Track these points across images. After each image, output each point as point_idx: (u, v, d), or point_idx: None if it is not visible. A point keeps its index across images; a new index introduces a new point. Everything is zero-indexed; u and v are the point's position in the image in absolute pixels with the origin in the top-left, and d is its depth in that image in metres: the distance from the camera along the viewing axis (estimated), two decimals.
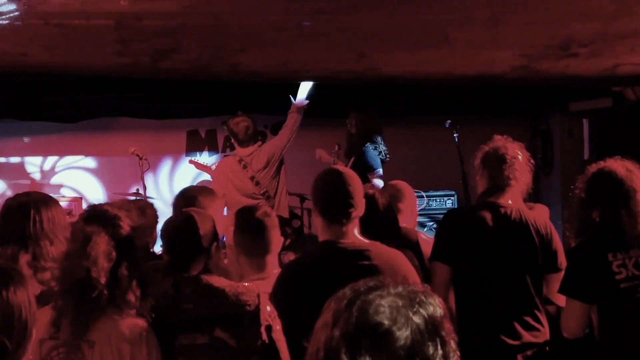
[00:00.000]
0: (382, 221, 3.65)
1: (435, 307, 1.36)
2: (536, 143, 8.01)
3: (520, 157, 3.70)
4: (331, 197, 2.94)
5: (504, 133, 3.98)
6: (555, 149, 7.81)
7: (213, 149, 8.35)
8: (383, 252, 2.99)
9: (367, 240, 2.98)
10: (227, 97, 7.25)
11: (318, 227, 3.01)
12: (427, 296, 1.37)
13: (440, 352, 1.32)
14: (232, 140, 6.10)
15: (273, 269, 3.34)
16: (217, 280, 2.74)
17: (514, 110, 7.85)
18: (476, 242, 3.59)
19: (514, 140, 3.81)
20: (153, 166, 7.38)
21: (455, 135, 6.83)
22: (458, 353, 1.36)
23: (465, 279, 3.61)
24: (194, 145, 8.32)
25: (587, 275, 3.30)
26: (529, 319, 3.57)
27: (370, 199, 3.36)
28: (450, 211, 4.17)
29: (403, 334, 1.30)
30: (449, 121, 6.38)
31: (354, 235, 2.96)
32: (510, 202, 3.66)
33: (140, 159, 6.53)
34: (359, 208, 2.96)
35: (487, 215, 3.63)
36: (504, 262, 3.58)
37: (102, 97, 7.12)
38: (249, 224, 3.40)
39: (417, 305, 1.34)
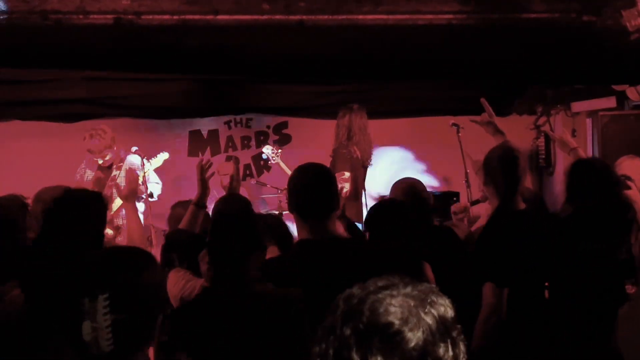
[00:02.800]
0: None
1: (446, 307, 1.35)
2: (539, 143, 7.99)
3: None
4: (311, 194, 2.95)
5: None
6: (559, 149, 7.78)
7: (215, 149, 8.35)
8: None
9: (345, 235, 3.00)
10: (229, 97, 7.25)
11: (295, 223, 3.01)
12: (438, 296, 1.36)
13: (451, 353, 1.31)
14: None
15: None
16: None
17: (516, 110, 7.83)
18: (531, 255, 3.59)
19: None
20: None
21: (458, 134, 6.82)
22: (467, 356, 1.35)
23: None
24: (196, 145, 8.31)
25: None
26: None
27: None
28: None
29: (415, 335, 1.29)
30: (453, 121, 6.37)
31: (335, 230, 2.97)
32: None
33: (143, 159, 6.51)
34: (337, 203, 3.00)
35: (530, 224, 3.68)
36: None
37: (103, 97, 7.11)
38: None
39: (428, 306, 1.33)
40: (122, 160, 6.59)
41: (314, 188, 2.96)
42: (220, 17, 3.60)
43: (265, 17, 3.76)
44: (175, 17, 3.54)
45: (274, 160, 6.68)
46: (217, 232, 2.80)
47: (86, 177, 6.66)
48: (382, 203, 4.12)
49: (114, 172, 6.56)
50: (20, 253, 3.05)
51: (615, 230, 3.75)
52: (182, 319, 2.64)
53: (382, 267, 2.76)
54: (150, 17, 3.49)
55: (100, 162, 6.53)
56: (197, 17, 3.58)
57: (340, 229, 3.05)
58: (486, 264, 3.54)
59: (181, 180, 8.29)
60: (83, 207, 3.07)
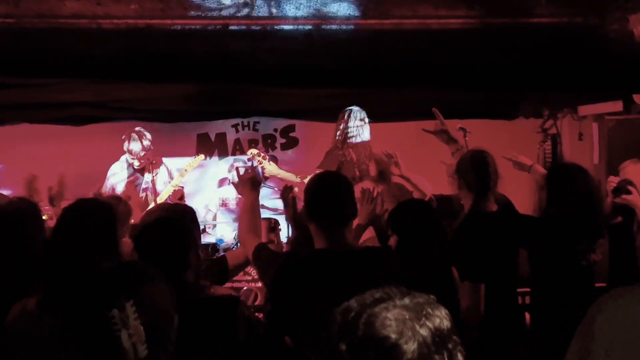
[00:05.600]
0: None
1: (442, 319, 1.34)
2: (546, 146, 7.98)
3: None
4: (328, 202, 2.94)
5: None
6: (565, 152, 7.77)
7: (223, 152, 8.37)
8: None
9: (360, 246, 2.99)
10: (236, 100, 7.27)
11: (312, 232, 2.99)
12: (434, 308, 1.35)
13: None
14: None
15: None
16: None
17: (523, 113, 7.82)
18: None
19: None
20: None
21: (465, 138, 6.82)
22: None
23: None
24: (203, 149, 8.33)
25: None
26: None
27: None
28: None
29: (410, 348, 1.28)
30: (460, 125, 6.36)
31: (351, 239, 2.97)
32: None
33: (151, 163, 6.53)
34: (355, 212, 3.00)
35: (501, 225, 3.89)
36: None
37: (110, 100, 7.14)
38: None
39: (423, 318, 1.32)
40: (154, 164, 6.63)
41: (329, 196, 2.94)
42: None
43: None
44: (181, 21, 3.57)
45: (260, 165, 6.18)
46: (145, 238, 2.90)
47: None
48: (409, 202, 3.99)
49: (147, 176, 6.60)
50: (34, 265, 3.05)
51: (590, 232, 3.89)
52: None
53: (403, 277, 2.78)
54: (158, 21, 3.53)
55: (137, 164, 6.56)
56: (205, 22, 3.61)
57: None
58: (463, 263, 3.66)
59: (188, 182, 8.33)
60: (90, 219, 3.05)
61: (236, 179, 3.93)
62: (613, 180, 4.64)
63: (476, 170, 3.88)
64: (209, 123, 8.25)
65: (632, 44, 4.64)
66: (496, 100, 7.53)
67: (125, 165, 6.70)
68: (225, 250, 6.35)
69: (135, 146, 6.48)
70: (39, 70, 5.24)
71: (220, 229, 7.40)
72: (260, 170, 6.10)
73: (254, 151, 6.14)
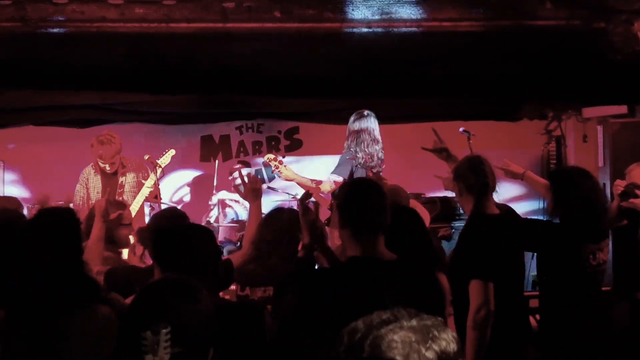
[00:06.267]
0: None
1: (449, 342, 1.34)
2: (550, 148, 7.97)
3: None
4: (368, 210, 2.93)
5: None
6: (570, 154, 7.77)
7: (227, 154, 8.38)
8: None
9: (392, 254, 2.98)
10: (240, 103, 7.28)
11: (344, 239, 2.99)
12: (441, 331, 1.35)
13: None
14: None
15: None
16: None
17: (527, 115, 7.82)
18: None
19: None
20: (167, 172, 7.39)
21: (469, 141, 6.82)
22: None
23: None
24: (208, 151, 8.35)
25: None
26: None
27: None
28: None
29: None
30: (463, 127, 6.36)
31: (383, 246, 2.96)
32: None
33: (155, 166, 6.51)
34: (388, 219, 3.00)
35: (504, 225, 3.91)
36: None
37: (115, 103, 7.15)
38: None
39: (430, 341, 1.32)
40: (126, 167, 6.54)
41: (365, 203, 2.93)
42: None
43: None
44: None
45: (277, 173, 6.04)
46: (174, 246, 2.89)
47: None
48: (400, 207, 3.89)
49: (120, 179, 6.51)
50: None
51: (595, 234, 3.97)
52: None
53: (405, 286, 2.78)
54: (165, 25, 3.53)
55: (108, 168, 6.45)
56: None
57: None
58: (471, 262, 3.67)
59: (192, 185, 8.34)
60: (56, 226, 3.05)
61: (240, 186, 3.96)
62: (620, 184, 4.65)
63: (474, 170, 3.89)
64: (212, 125, 8.26)
65: (637, 48, 4.63)
66: (500, 102, 7.53)
67: (98, 169, 6.53)
68: (229, 252, 6.36)
69: (106, 150, 6.35)
70: (43, 74, 5.24)
71: (223, 231, 7.41)
72: (277, 174, 6.07)
73: (271, 156, 6.09)
